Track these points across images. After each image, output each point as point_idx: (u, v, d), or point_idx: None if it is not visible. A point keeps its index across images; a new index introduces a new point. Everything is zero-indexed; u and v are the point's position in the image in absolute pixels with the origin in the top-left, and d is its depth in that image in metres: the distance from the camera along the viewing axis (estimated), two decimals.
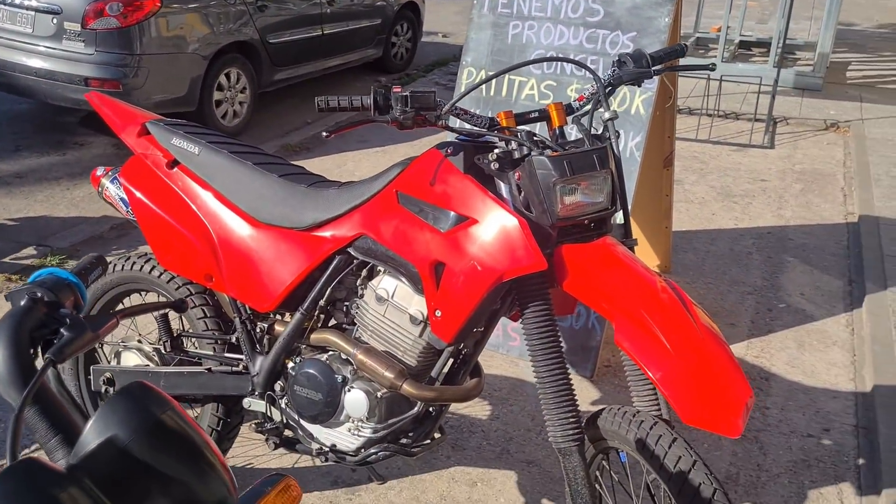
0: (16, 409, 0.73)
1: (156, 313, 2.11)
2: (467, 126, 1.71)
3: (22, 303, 0.83)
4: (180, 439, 0.72)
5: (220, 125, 5.29)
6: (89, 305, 2.21)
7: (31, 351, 0.81)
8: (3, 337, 0.78)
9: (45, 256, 3.62)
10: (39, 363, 0.79)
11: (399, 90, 1.57)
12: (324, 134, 1.56)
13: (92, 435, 0.68)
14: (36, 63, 4.68)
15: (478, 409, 2.72)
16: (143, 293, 2.26)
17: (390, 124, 1.57)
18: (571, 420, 1.61)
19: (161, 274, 2.08)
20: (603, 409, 1.66)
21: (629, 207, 1.71)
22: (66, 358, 0.82)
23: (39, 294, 0.84)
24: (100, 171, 2.11)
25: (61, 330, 0.83)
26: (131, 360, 2.17)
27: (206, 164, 1.94)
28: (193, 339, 2.10)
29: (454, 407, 2.69)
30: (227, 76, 5.32)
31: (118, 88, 4.60)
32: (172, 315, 2.19)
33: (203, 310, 2.05)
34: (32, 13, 4.63)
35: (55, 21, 4.60)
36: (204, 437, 0.75)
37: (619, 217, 1.76)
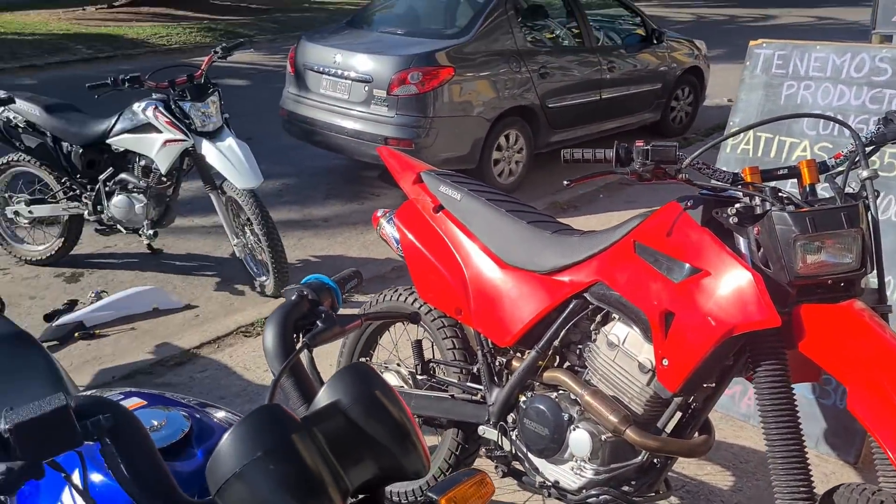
0: (275, 376, 0.95)
1: (412, 341, 2.38)
2: (710, 181, 1.72)
3: (292, 298, 1.06)
4: (390, 414, 0.87)
5: (497, 182, 5.68)
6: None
7: (294, 335, 1.03)
8: (274, 321, 1.01)
9: None
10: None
11: (641, 143, 1.65)
12: (564, 182, 1.69)
13: (323, 397, 0.86)
14: (348, 124, 5.45)
15: (720, 477, 2.60)
16: (405, 322, 2.55)
17: (630, 176, 1.65)
18: (802, 493, 1.52)
19: (421, 306, 2.34)
20: (840, 486, 1.54)
21: (884, 271, 1.59)
22: (318, 344, 1.03)
23: (305, 293, 1.07)
24: (380, 212, 2.45)
25: (317, 322, 1.04)
26: (390, 380, 2.46)
27: (465, 209, 2.17)
28: (442, 367, 2.32)
29: (693, 471, 2.60)
30: (507, 137, 5.71)
31: (411, 147, 5.17)
32: (426, 344, 2.44)
33: (452, 341, 2.26)
34: (350, 82, 5.41)
35: (366, 88, 5.33)
36: (410, 418, 0.90)
37: (872, 280, 1.64)
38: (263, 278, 4.19)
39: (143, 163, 4.16)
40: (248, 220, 4.07)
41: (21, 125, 4.22)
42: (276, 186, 5.83)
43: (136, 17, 13.94)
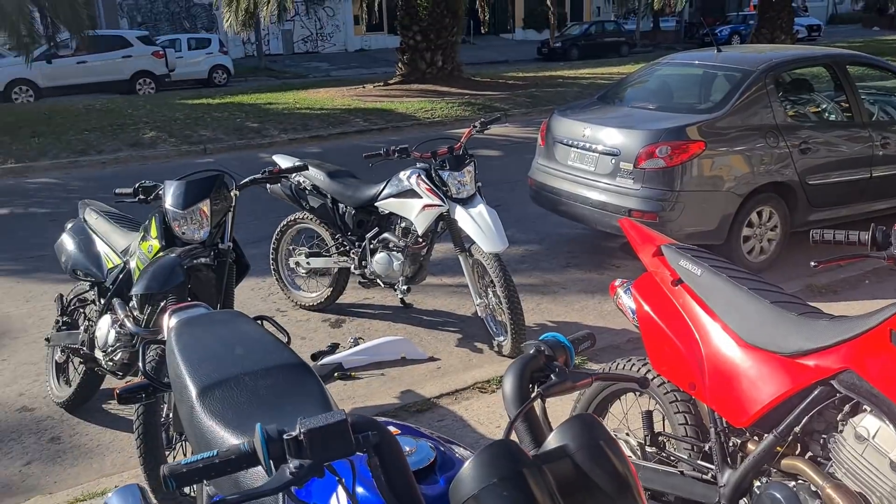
0: (510, 419, 1.07)
1: (642, 412, 2.38)
2: None
3: (531, 352, 1.18)
4: (614, 465, 0.95)
5: (746, 261, 5.43)
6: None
7: (530, 385, 1.15)
8: (513, 371, 1.14)
9: None
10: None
11: None
12: (812, 264, 1.65)
13: (552, 440, 0.96)
14: (593, 195, 5.57)
15: None
16: (637, 393, 2.56)
17: (886, 261, 1.58)
18: None
19: (654, 377, 2.34)
20: None
21: None
22: (550, 395, 1.14)
23: (542, 348, 1.19)
24: (618, 282, 2.52)
25: (551, 375, 1.15)
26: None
27: (705, 284, 2.17)
28: (672, 441, 2.29)
29: None
30: (759, 214, 5.46)
31: (655, 220, 5.15)
32: (656, 417, 2.42)
33: (684, 416, 2.23)
34: (597, 155, 5.56)
35: (613, 161, 5.43)
36: (633, 473, 0.97)
37: None
38: (501, 338, 4.39)
39: (403, 224, 4.59)
40: (492, 282, 4.31)
41: (308, 188, 4.89)
42: (520, 252, 6.08)
43: (406, 94, 15.41)
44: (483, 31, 26.68)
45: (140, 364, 1.99)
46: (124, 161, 10.49)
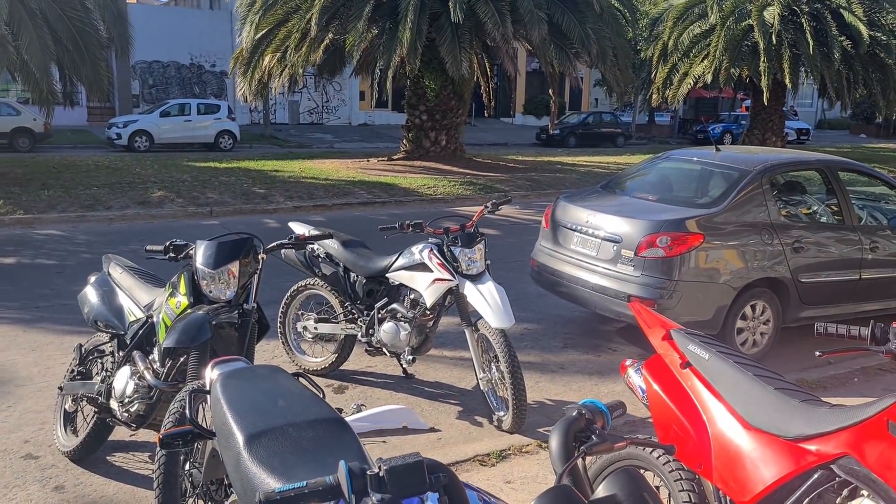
0: (557, 477, 1.21)
1: None
2: None
3: (573, 414, 1.33)
4: None
5: (739, 352, 5.58)
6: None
7: (573, 444, 1.29)
8: (559, 430, 1.28)
9: None
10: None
11: None
12: (817, 354, 1.81)
13: (602, 490, 1.10)
14: (594, 279, 5.76)
15: None
16: (643, 470, 2.67)
17: (884, 356, 1.74)
18: None
19: (659, 456, 2.47)
20: None
21: None
22: (591, 454, 1.28)
23: (584, 412, 1.34)
24: (628, 362, 2.67)
25: (592, 436, 1.30)
26: None
27: (712, 368, 2.32)
28: None
29: None
30: (753, 307, 5.65)
31: (653, 307, 5.32)
32: (662, 493, 2.53)
33: (689, 494, 2.35)
34: (599, 241, 5.78)
35: (615, 248, 5.64)
36: None
37: None
38: (502, 413, 4.48)
39: (412, 296, 4.75)
40: (496, 357, 4.44)
41: (322, 256, 5.06)
42: (519, 330, 6.22)
43: (410, 170, 15.82)
44: (486, 115, 27.50)
45: (187, 411, 2.10)
46: (131, 218, 10.67)
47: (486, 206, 4.96)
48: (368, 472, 1.07)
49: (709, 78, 20.76)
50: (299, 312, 5.30)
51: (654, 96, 23.00)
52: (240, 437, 1.80)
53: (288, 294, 5.30)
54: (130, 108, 27.00)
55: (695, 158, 6.64)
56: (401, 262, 4.74)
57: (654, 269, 5.42)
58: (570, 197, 6.56)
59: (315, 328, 5.14)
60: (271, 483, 1.69)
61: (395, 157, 17.70)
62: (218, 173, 14.29)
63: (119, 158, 17.06)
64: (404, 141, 17.83)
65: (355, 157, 18.68)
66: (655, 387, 2.44)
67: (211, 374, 2.13)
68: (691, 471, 2.34)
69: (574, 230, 6.03)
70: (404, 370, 5.20)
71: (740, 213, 5.62)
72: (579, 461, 1.25)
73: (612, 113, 33.77)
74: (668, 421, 2.37)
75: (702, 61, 21.12)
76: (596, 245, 5.82)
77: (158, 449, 2.24)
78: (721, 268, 5.49)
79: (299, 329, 5.24)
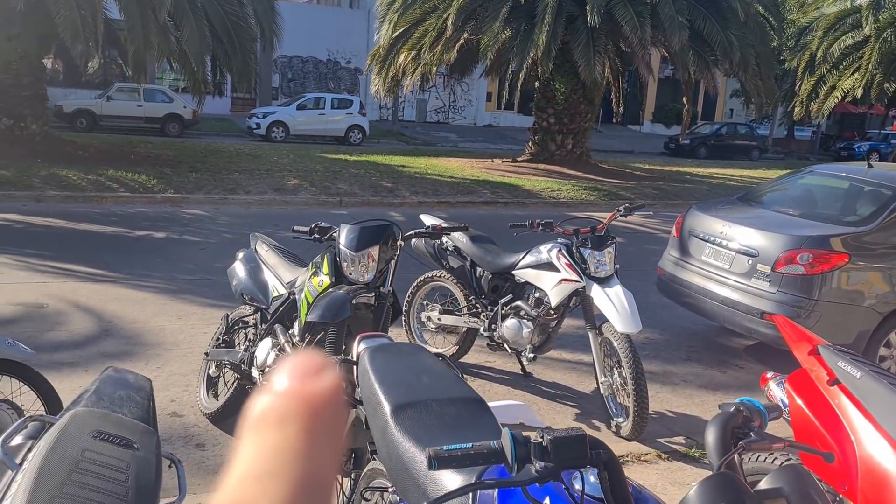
0: (715, 468, 1.21)
1: None
2: None
3: (731, 410, 1.32)
4: None
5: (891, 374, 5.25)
6: None
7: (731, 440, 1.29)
8: (716, 424, 1.28)
9: (690, 447, 4.26)
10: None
11: None
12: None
13: (765, 483, 1.10)
14: (724, 293, 5.58)
15: None
16: None
17: None
18: None
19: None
20: None
21: None
22: (749, 451, 1.27)
23: (742, 409, 1.33)
24: (769, 374, 2.59)
25: (751, 433, 1.29)
26: None
27: (864, 387, 2.22)
28: None
29: None
30: None
31: None
32: None
33: None
34: (733, 253, 5.58)
35: (750, 262, 5.44)
36: None
37: None
38: (621, 420, 4.43)
39: (537, 295, 4.77)
40: (618, 362, 4.39)
41: (450, 249, 5.17)
42: (641, 339, 6.09)
43: (533, 172, 15.80)
44: (614, 121, 27.05)
45: (353, 380, 2.23)
46: (268, 203, 11.26)
47: (619, 210, 4.91)
48: (532, 441, 1.11)
49: (859, 92, 19.53)
50: (424, 303, 5.43)
51: (797, 109, 21.88)
52: (387, 407, 1.89)
53: (414, 284, 5.45)
54: (270, 100, 28.38)
55: (843, 174, 6.29)
56: (528, 259, 4.77)
57: (792, 286, 5.19)
58: (705, 206, 6.37)
59: (438, 319, 5.26)
60: (416, 453, 1.77)
61: (519, 158, 17.72)
62: (348, 165, 14.81)
63: (258, 147, 17.99)
64: (530, 143, 17.81)
65: (480, 157, 18.85)
66: (799, 402, 2.36)
67: (358, 347, 2.24)
68: (833, 490, 2.25)
69: (706, 241, 5.86)
70: (523, 368, 5.23)
71: (891, 233, 5.29)
72: (735, 457, 1.24)
73: (748, 125, 32.35)
74: (811, 437, 2.28)
75: (852, 74, 19.90)
76: (729, 257, 5.63)
77: None
78: (866, 290, 5.18)
79: (423, 319, 5.37)
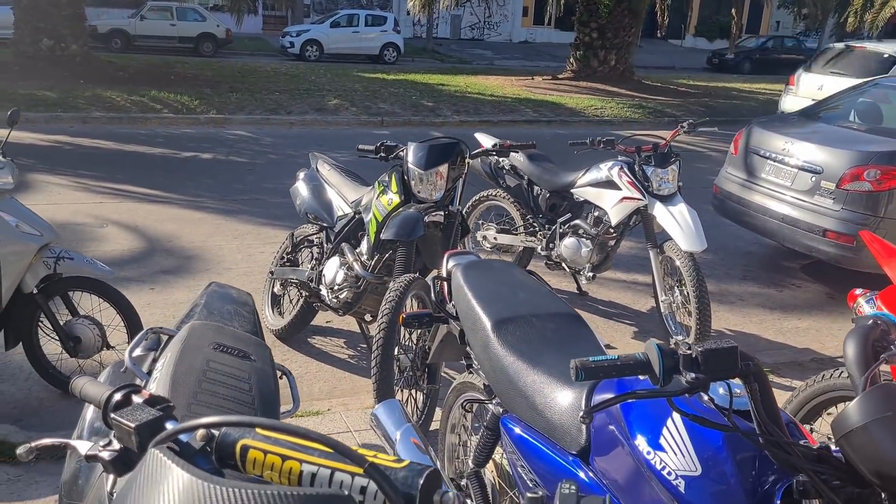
0: (861, 382, 1.19)
1: None
2: None
3: (869, 322, 1.30)
4: None
5: None
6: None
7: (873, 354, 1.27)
8: (857, 336, 1.27)
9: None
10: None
11: None
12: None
13: None
14: (785, 211, 5.47)
15: None
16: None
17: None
18: None
19: None
20: None
21: None
22: (891, 363, 1.26)
23: (879, 322, 1.31)
24: (858, 291, 2.55)
25: (891, 346, 1.27)
26: None
27: None
28: None
29: None
30: None
31: (852, 244, 5.01)
32: None
33: None
34: (796, 170, 5.45)
35: (813, 179, 5.31)
36: None
37: None
38: (681, 338, 4.42)
39: (596, 213, 4.72)
40: (679, 280, 4.37)
41: (507, 168, 5.12)
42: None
43: (575, 90, 15.44)
44: (658, 35, 26.13)
45: (433, 295, 2.25)
46: (309, 123, 11.20)
47: (682, 126, 4.79)
48: (681, 352, 1.11)
49: None
50: (479, 222, 5.43)
51: (851, 20, 20.87)
52: (487, 322, 1.91)
53: (469, 203, 5.42)
54: (302, 18, 27.86)
55: None
56: (588, 177, 4.71)
57: (857, 203, 5.07)
58: (766, 123, 6.19)
59: (495, 238, 5.26)
60: (520, 366, 1.79)
61: (560, 76, 17.30)
62: (387, 84, 14.61)
63: (294, 66, 17.79)
64: (571, 60, 17.34)
65: (518, 75, 18.43)
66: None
67: (448, 264, 2.25)
68: None
69: (767, 158, 5.72)
70: (579, 287, 5.24)
71: None
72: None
73: (796, 38, 31.04)
74: None
75: None
76: (791, 175, 5.50)
77: (401, 327, 2.42)
78: None
79: (478, 238, 5.37)
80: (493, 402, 1.91)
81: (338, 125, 11.31)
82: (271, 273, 4.40)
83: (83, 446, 0.97)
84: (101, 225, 6.10)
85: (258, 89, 12.90)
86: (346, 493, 0.79)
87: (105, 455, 0.93)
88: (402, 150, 3.66)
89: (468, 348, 2.05)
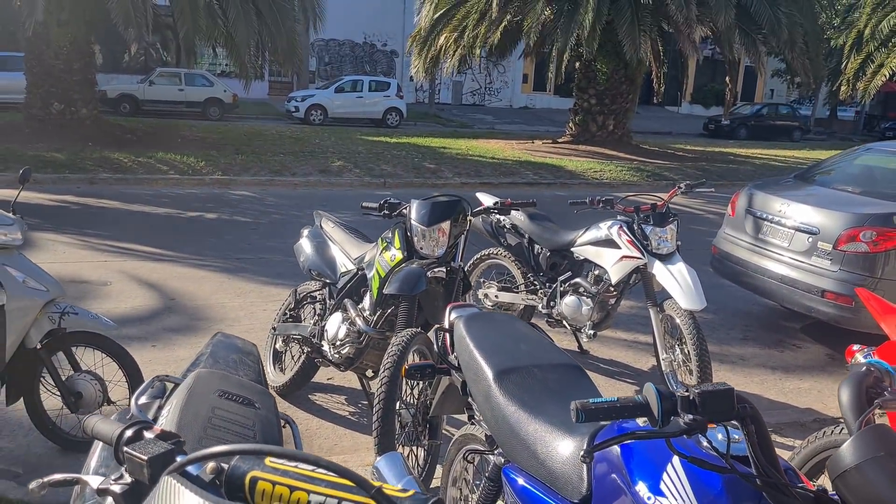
0: (855, 427, 1.22)
1: None
2: None
3: (863, 370, 1.34)
4: None
5: None
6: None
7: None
8: (851, 383, 1.30)
9: None
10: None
11: None
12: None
13: None
14: (783, 271, 5.52)
15: None
16: None
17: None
18: None
19: None
20: None
21: None
22: (884, 409, 1.28)
23: (872, 369, 1.34)
24: (856, 346, 2.57)
25: (885, 392, 1.30)
26: None
27: None
28: None
29: None
30: None
31: (850, 304, 5.04)
32: None
33: None
34: (792, 231, 5.52)
35: (810, 240, 5.38)
36: None
37: None
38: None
39: (597, 272, 4.77)
40: (680, 339, 4.38)
41: (507, 226, 5.19)
42: None
43: (575, 153, 15.71)
44: (655, 102, 26.70)
45: (436, 346, 2.28)
46: (313, 184, 11.37)
47: (680, 187, 4.88)
48: (678, 394, 1.14)
49: None
50: (481, 280, 5.47)
51: (844, 88, 21.37)
52: (489, 372, 1.94)
53: (471, 262, 5.48)
54: (307, 83, 28.55)
55: None
56: (588, 236, 4.77)
57: (854, 264, 5.12)
58: (762, 185, 6.31)
59: (496, 296, 5.29)
60: (521, 415, 1.81)
61: (559, 139, 17.62)
62: (389, 147, 14.87)
63: (299, 129, 18.14)
64: (570, 124, 17.69)
65: (518, 139, 18.78)
66: None
67: (450, 316, 2.28)
68: None
69: (764, 219, 5.80)
70: (580, 345, 5.25)
71: None
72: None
73: (790, 105, 31.69)
74: None
75: None
76: (788, 235, 5.57)
77: (403, 380, 2.44)
78: None
79: (480, 296, 5.41)
80: (496, 452, 1.92)
81: (341, 186, 11.48)
82: (274, 329, 4.42)
83: (94, 480, 1.00)
84: (105, 283, 6.15)
85: (263, 151, 13.14)
86: None
87: (116, 488, 0.95)
88: (405, 208, 3.74)
89: (470, 399, 2.07)
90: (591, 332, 4.76)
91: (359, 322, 3.65)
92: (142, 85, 21.50)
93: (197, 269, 6.74)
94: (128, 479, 0.95)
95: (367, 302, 3.74)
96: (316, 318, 4.08)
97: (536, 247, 5.08)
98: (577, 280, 4.84)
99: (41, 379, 3.55)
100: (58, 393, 3.49)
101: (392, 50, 32.32)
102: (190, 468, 0.86)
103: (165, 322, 5.41)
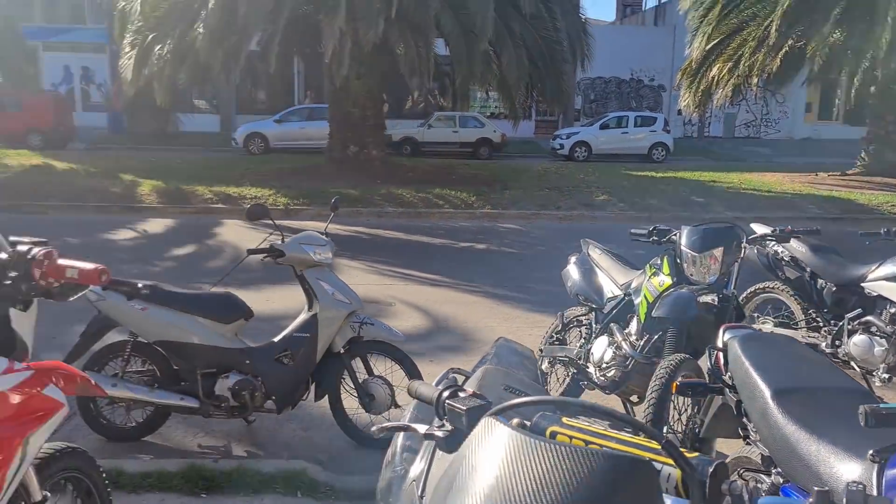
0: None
1: None
2: None
3: None
4: None
5: None
6: None
7: None
8: None
9: None
10: None
11: None
12: None
13: None
14: None
15: None
16: None
17: None
18: None
19: None
20: None
21: None
22: None
23: None
24: None
25: None
26: None
27: None
28: None
29: None
30: None
31: None
32: None
33: None
34: None
35: None
36: None
37: None
38: None
39: (892, 310, 4.32)
40: None
41: (786, 259, 4.90)
42: None
43: (867, 186, 14.18)
44: None
45: (709, 365, 2.29)
46: (577, 218, 11.56)
47: None
48: None
49: None
50: (755, 315, 5.21)
51: None
52: (766, 391, 1.91)
53: (744, 296, 5.24)
54: (573, 121, 29.02)
55: None
56: (883, 271, 4.36)
57: None
58: None
59: (772, 332, 5.00)
60: (800, 434, 1.76)
61: (849, 172, 16.00)
62: (655, 182, 14.61)
63: (563, 166, 18.53)
64: (862, 154, 16.00)
65: (799, 172, 17.37)
66: None
67: (724, 336, 2.27)
68: None
69: None
70: (870, 389, 4.75)
71: None
72: None
73: None
74: None
75: None
76: None
77: (674, 395, 2.46)
78: None
79: None
80: (774, 471, 1.88)
81: (604, 220, 11.53)
82: (541, 351, 4.60)
83: (421, 427, 1.21)
84: (390, 304, 6.82)
85: (529, 186, 13.64)
86: None
87: (440, 434, 1.15)
88: (675, 234, 3.73)
89: (745, 419, 2.05)
90: (886, 375, 4.31)
91: (625, 346, 3.70)
92: (421, 128, 23.43)
93: (468, 294, 7.21)
94: (448, 426, 1.14)
95: (633, 327, 3.77)
96: (582, 341, 4.19)
97: (820, 281, 4.73)
98: (869, 318, 4.42)
99: (342, 380, 4.08)
100: (355, 394, 3.98)
101: (660, 84, 31.72)
102: (500, 419, 1.03)
103: (440, 341, 5.86)
